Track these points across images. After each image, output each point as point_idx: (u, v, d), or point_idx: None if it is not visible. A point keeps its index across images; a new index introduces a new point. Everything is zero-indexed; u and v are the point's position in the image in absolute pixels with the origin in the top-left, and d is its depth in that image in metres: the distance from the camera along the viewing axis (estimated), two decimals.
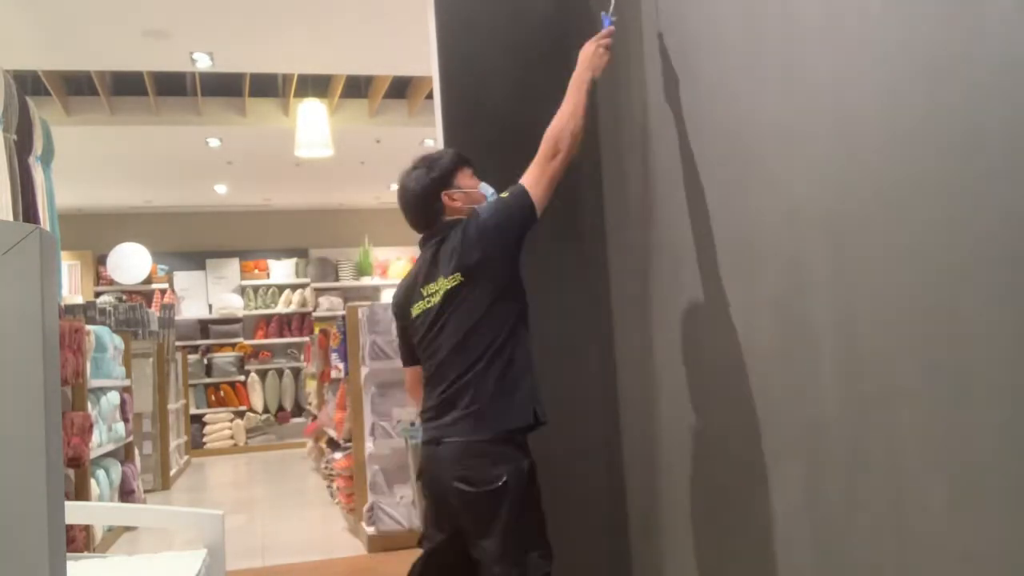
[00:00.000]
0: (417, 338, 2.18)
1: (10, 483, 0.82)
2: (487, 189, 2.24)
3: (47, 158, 5.13)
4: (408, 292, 2.23)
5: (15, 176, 4.45)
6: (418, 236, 2.25)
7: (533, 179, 2.10)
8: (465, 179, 2.23)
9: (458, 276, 2.06)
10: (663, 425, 2.39)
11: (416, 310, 2.17)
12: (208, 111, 7.38)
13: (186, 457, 9.20)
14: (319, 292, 11.19)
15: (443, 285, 2.09)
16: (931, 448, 1.38)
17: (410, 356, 2.28)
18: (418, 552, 2.18)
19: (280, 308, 11.17)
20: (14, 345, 0.83)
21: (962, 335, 1.31)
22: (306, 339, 10.20)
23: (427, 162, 2.23)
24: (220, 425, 10.50)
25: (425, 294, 2.14)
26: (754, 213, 1.88)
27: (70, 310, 6.92)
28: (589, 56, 2.19)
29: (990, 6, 1.23)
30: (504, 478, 1.96)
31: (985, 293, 1.26)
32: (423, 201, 2.20)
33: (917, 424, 1.41)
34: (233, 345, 10.96)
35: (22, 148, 4.63)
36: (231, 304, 11.04)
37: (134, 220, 10.77)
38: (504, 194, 2.12)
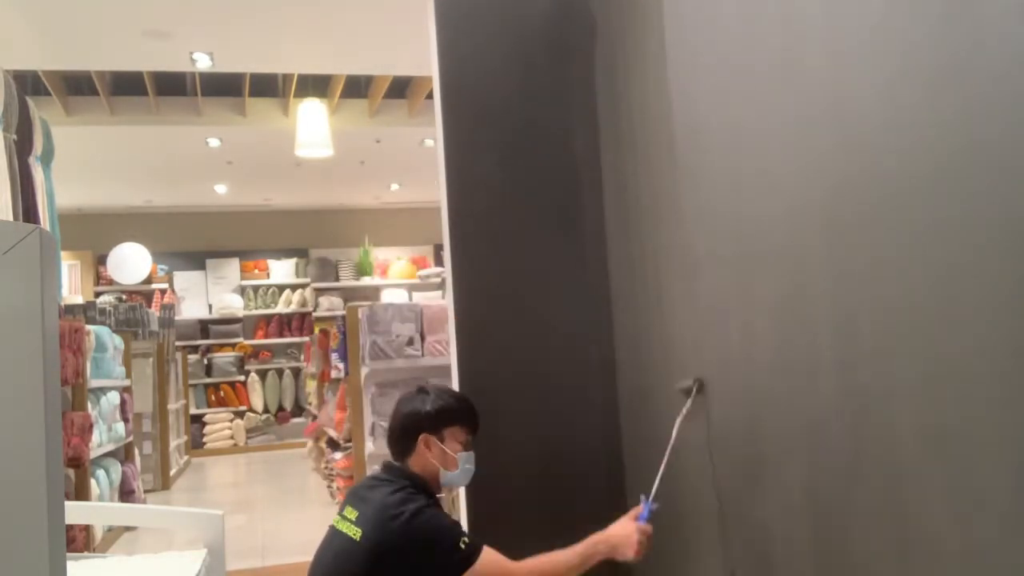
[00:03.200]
0: (318, 551, 2.10)
1: (10, 483, 0.82)
2: (466, 462, 2.13)
3: (47, 158, 5.13)
4: (345, 498, 2.16)
5: (15, 176, 4.45)
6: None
7: (494, 567, 1.95)
8: (455, 437, 2.12)
9: (359, 533, 1.96)
10: (663, 425, 2.39)
11: (335, 519, 2.09)
12: (208, 111, 7.39)
13: (186, 457, 9.21)
14: (319, 292, 11.19)
15: (350, 524, 2.00)
16: (931, 448, 1.38)
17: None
18: None
19: (280, 308, 11.18)
20: (14, 345, 0.83)
21: (962, 335, 1.31)
22: (306, 339, 10.20)
23: (433, 395, 2.14)
24: (220, 425, 10.51)
25: (346, 512, 2.05)
26: (754, 213, 1.88)
27: (70, 310, 6.92)
28: (621, 537, 2.02)
29: (991, 6, 1.23)
30: None
31: (985, 293, 1.26)
32: (401, 431, 2.12)
33: (917, 424, 1.41)
34: (233, 345, 10.96)
35: (22, 148, 4.63)
36: (231, 304, 11.04)
37: (134, 220, 10.78)
38: (463, 540, 1.95)
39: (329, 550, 2.04)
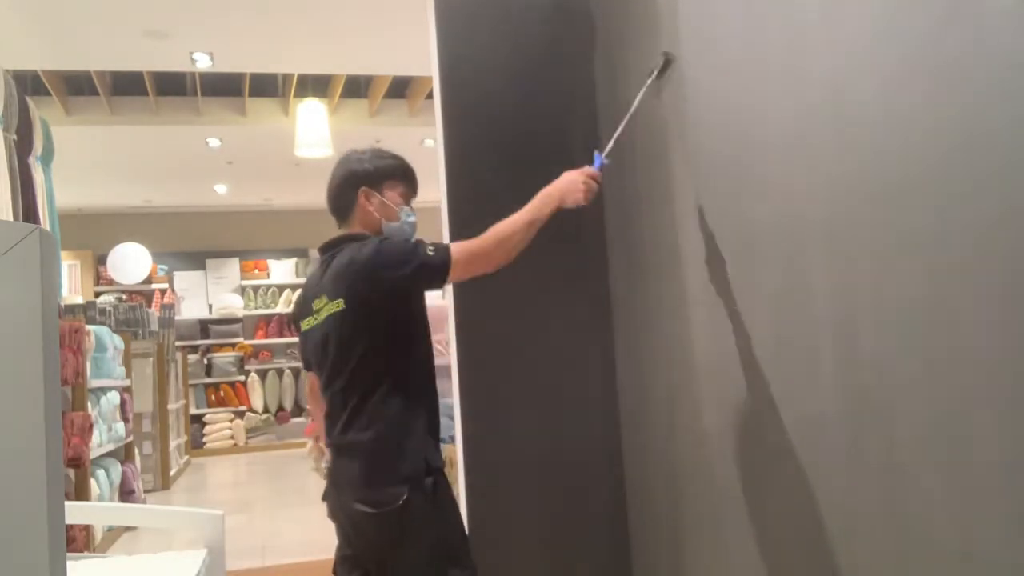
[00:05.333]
0: (308, 354, 2.08)
1: (10, 483, 0.82)
2: (408, 215, 2.10)
3: (47, 158, 5.13)
4: (302, 301, 2.12)
5: (15, 176, 4.45)
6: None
7: (464, 253, 1.92)
8: (393, 192, 2.09)
9: (341, 302, 1.92)
10: (663, 424, 2.39)
11: (305, 324, 2.06)
12: (208, 111, 7.38)
13: (186, 457, 9.20)
14: None
15: (327, 306, 1.96)
16: (931, 448, 1.38)
17: (306, 362, 2.14)
18: None
19: (280, 308, 11.17)
20: (14, 345, 0.83)
21: (962, 335, 1.31)
22: None
23: (368, 154, 2.12)
24: (220, 425, 10.50)
25: (314, 308, 2.02)
26: (754, 213, 1.88)
27: (70, 310, 6.92)
28: (567, 183, 2.04)
29: (991, 6, 1.23)
30: (404, 496, 1.84)
31: (985, 293, 1.26)
32: (338, 189, 2.09)
33: (917, 424, 1.41)
34: (233, 345, 10.96)
35: (22, 148, 4.63)
36: (231, 304, 11.04)
37: (134, 220, 10.77)
38: (429, 247, 1.92)
39: (318, 339, 1.98)
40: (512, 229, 1.96)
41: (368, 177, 2.07)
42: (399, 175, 2.11)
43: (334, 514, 2.02)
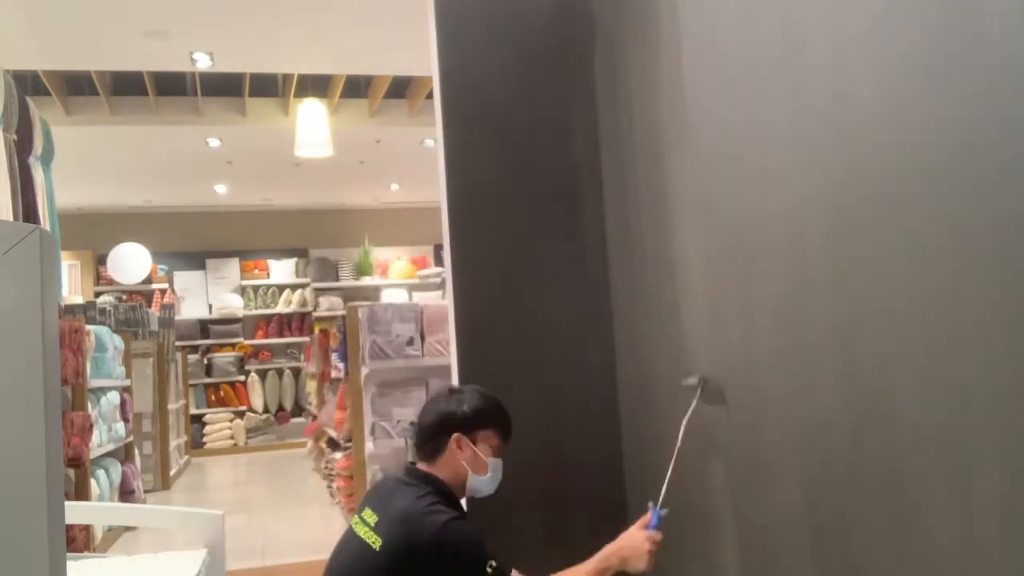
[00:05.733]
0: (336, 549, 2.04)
1: (10, 483, 0.82)
2: (496, 470, 2.04)
3: (47, 158, 5.13)
4: (363, 499, 2.08)
5: (15, 176, 4.45)
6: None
7: None
8: (488, 441, 2.03)
9: (379, 542, 1.87)
10: (663, 424, 2.39)
11: (354, 521, 2.00)
12: (208, 111, 7.39)
13: (186, 457, 9.21)
14: (319, 292, 11.19)
15: (363, 528, 1.93)
16: (931, 448, 1.38)
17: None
18: None
19: (280, 308, 11.18)
20: (14, 345, 0.83)
21: (962, 335, 1.31)
22: (306, 339, 10.21)
23: (468, 395, 2.06)
24: (220, 425, 10.51)
25: (362, 514, 1.98)
26: (754, 212, 1.88)
27: (70, 310, 6.92)
28: (631, 547, 1.96)
29: (991, 6, 1.23)
30: None
31: (985, 293, 1.26)
32: (431, 428, 2.03)
33: (917, 424, 1.41)
34: (233, 345, 10.96)
35: (22, 148, 4.63)
36: (231, 304, 11.05)
37: (134, 220, 10.78)
38: (490, 565, 1.84)
39: (345, 553, 1.96)
40: None
41: (465, 423, 2.02)
42: (496, 424, 2.05)
43: None
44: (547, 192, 2.68)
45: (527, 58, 2.71)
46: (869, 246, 1.51)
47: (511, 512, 2.48)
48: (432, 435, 2.03)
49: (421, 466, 2.05)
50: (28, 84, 6.20)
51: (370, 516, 1.95)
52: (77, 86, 7.05)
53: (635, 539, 1.97)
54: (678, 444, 2.05)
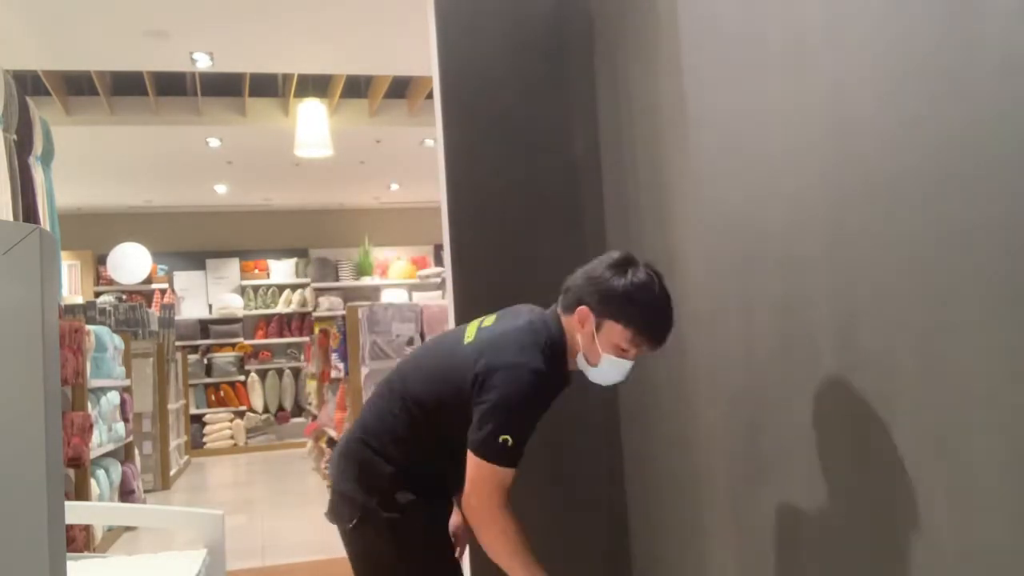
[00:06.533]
0: (420, 349, 2.03)
1: (10, 483, 0.82)
2: (611, 366, 1.78)
3: (47, 158, 5.12)
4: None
5: (15, 176, 4.44)
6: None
7: (491, 490, 1.71)
8: (616, 334, 1.74)
9: (471, 337, 1.83)
10: (663, 425, 2.39)
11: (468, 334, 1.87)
12: (208, 111, 7.38)
13: (186, 457, 9.20)
14: (319, 292, 11.19)
15: (475, 326, 1.87)
16: (931, 448, 1.38)
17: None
18: None
19: (280, 308, 11.17)
20: (14, 345, 0.83)
21: (962, 335, 1.31)
22: (306, 339, 10.20)
23: (629, 276, 1.74)
24: (220, 425, 10.51)
25: (485, 323, 1.88)
26: (754, 213, 1.88)
27: (70, 310, 6.92)
28: None
29: (991, 6, 1.23)
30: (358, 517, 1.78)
31: (985, 293, 1.26)
32: (575, 287, 1.80)
33: (917, 424, 1.41)
34: (233, 345, 10.96)
35: (22, 148, 4.63)
36: (231, 304, 11.04)
37: (134, 220, 10.77)
38: (507, 437, 1.69)
39: (448, 335, 1.93)
40: (509, 563, 1.72)
41: (601, 300, 1.74)
42: (635, 327, 1.73)
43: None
44: (547, 192, 2.68)
45: (527, 58, 2.71)
46: (869, 247, 1.51)
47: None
48: (569, 288, 1.83)
49: (559, 309, 1.85)
50: (28, 84, 6.20)
51: (488, 319, 1.88)
52: (77, 86, 7.04)
53: None
54: None
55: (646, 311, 1.74)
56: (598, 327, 1.76)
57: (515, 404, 1.71)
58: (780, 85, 1.75)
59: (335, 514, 1.88)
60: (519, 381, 1.71)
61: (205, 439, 10.37)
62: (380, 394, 1.93)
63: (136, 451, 6.62)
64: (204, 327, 11.01)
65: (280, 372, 11.01)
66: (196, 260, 11.09)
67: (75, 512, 2.78)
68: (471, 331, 1.87)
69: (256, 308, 11.15)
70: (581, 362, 1.83)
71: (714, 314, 2.07)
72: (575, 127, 2.71)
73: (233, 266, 11.17)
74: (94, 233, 10.44)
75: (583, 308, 1.76)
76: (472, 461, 1.71)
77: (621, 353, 1.76)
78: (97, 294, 10.31)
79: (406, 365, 1.96)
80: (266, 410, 10.85)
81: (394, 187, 10.24)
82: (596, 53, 2.73)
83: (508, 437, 1.68)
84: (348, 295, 10.80)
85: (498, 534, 1.72)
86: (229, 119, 7.50)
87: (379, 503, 1.79)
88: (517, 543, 1.71)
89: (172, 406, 8.27)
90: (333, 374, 6.03)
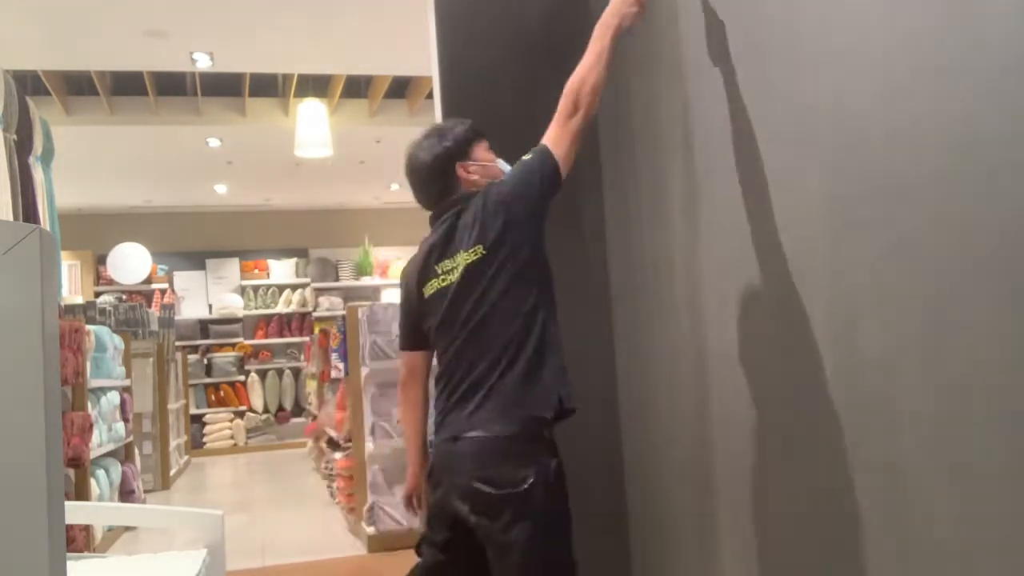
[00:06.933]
0: (430, 321, 1.99)
1: (10, 483, 0.82)
2: (504, 165, 2.07)
3: (47, 158, 5.13)
4: (420, 269, 2.02)
5: (15, 176, 4.45)
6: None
7: (554, 138, 1.95)
8: (481, 152, 2.07)
9: (479, 249, 1.89)
10: (663, 425, 2.39)
11: (429, 289, 1.98)
12: (208, 111, 7.39)
13: (186, 457, 9.20)
14: (319, 292, 11.19)
15: (462, 260, 1.91)
16: (931, 448, 1.38)
17: (411, 338, 2.10)
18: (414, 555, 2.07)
19: (280, 308, 11.17)
20: (14, 345, 0.83)
21: (962, 335, 1.31)
22: (306, 339, 10.20)
23: (439, 131, 2.07)
24: (220, 425, 10.51)
25: (440, 271, 1.96)
26: (754, 212, 1.88)
27: (70, 310, 6.92)
28: (618, 5, 1.99)
29: (991, 6, 1.23)
30: (531, 479, 1.78)
31: (985, 292, 1.26)
32: (436, 172, 2.03)
33: (917, 424, 1.41)
34: (233, 345, 10.96)
35: (22, 148, 4.63)
36: (231, 304, 11.04)
37: (134, 220, 10.78)
38: (526, 156, 1.96)
39: (453, 302, 1.92)
40: (582, 76, 1.97)
41: (458, 151, 2.04)
42: (475, 135, 2.08)
43: (443, 490, 1.91)
44: None
45: (527, 58, 2.71)
46: (869, 247, 1.51)
47: None
48: (435, 179, 2.04)
49: (447, 194, 2.04)
50: (28, 84, 6.20)
51: (448, 263, 1.95)
52: (77, 86, 7.05)
53: (617, 3, 2.01)
54: None
55: (467, 124, 2.10)
56: (476, 161, 2.05)
57: (521, 168, 1.98)
58: (780, 85, 1.75)
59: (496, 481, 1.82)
60: (500, 183, 1.99)
61: (205, 439, 10.37)
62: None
63: (136, 451, 6.62)
64: (204, 327, 11.01)
65: (280, 372, 11.01)
66: (196, 260, 11.09)
67: (75, 512, 2.78)
68: (448, 265, 1.96)
69: (256, 308, 11.15)
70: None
71: (714, 314, 2.07)
72: None
73: (233, 266, 11.17)
74: (94, 233, 10.44)
75: (458, 166, 2.03)
76: (551, 167, 1.95)
77: (495, 156, 2.09)
78: (97, 294, 10.31)
79: (454, 340, 1.94)
80: (266, 410, 10.85)
81: (394, 187, 10.24)
82: None
83: (540, 155, 1.96)
84: (348, 295, 10.81)
85: (579, 97, 1.98)
86: (229, 119, 7.50)
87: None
88: (577, 79, 2.00)
89: (172, 406, 8.27)
90: (333, 374, 6.03)
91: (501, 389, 1.84)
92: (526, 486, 1.79)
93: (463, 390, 1.88)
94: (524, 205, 1.92)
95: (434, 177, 2.04)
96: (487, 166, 2.05)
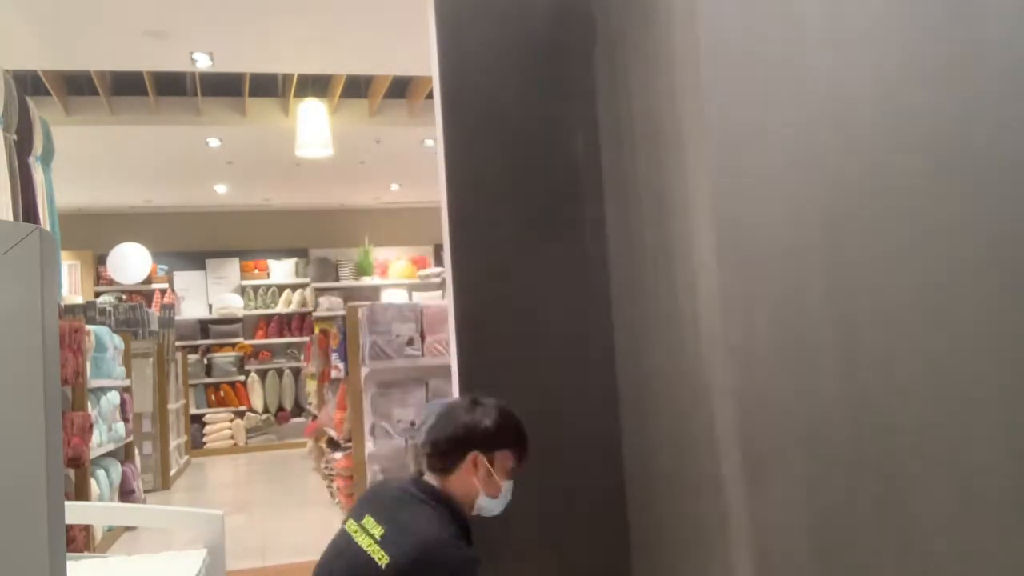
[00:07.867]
0: (328, 555, 1.96)
1: (10, 483, 0.82)
2: (508, 492, 1.97)
3: (47, 158, 5.13)
4: (365, 498, 2.00)
5: (15, 176, 4.45)
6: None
7: None
8: (505, 462, 1.95)
9: (384, 559, 1.78)
10: (663, 425, 2.39)
11: (349, 526, 1.93)
12: (208, 111, 7.38)
13: (186, 457, 9.21)
14: (319, 292, 11.19)
15: (369, 544, 1.83)
16: (931, 448, 1.38)
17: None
18: None
19: (280, 308, 11.18)
20: (14, 345, 0.83)
21: (962, 335, 1.31)
22: (306, 339, 10.21)
23: (491, 411, 1.95)
24: (220, 425, 10.51)
25: (363, 523, 1.89)
26: (754, 212, 1.88)
27: (70, 310, 6.92)
28: None
29: (991, 7, 1.23)
30: None
31: (985, 293, 1.26)
32: (450, 441, 1.93)
33: (917, 424, 1.41)
34: (233, 345, 10.96)
35: (22, 148, 4.63)
36: (231, 304, 11.05)
37: (134, 220, 10.78)
38: None
39: (344, 560, 1.87)
40: None
41: (486, 442, 1.93)
42: (515, 445, 1.96)
43: None
44: (547, 192, 2.68)
45: (527, 58, 2.71)
46: (869, 246, 1.51)
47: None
48: (449, 448, 1.94)
49: (431, 479, 1.96)
50: (28, 84, 6.20)
51: (373, 527, 1.86)
52: (77, 86, 7.05)
53: None
54: None
55: (518, 429, 1.97)
56: (491, 462, 1.93)
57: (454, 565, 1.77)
58: (780, 84, 1.75)
59: None
60: (444, 557, 1.77)
61: (205, 439, 10.37)
62: None
63: (136, 451, 6.62)
64: (204, 327, 11.01)
65: (280, 372, 11.02)
66: (196, 260, 11.10)
67: (75, 512, 2.78)
68: (364, 539, 1.84)
69: (256, 308, 11.16)
70: (481, 502, 1.94)
71: (714, 313, 2.07)
72: (575, 126, 2.71)
73: (233, 266, 11.17)
74: (94, 233, 10.44)
75: (473, 455, 1.91)
76: None
77: (513, 474, 1.97)
78: (97, 294, 10.32)
79: None
80: (266, 410, 10.85)
81: (394, 187, 10.25)
82: (596, 53, 2.73)
83: None
84: (348, 295, 10.81)
85: None
86: (229, 119, 7.50)
87: None
88: None
89: (172, 406, 8.28)
90: (333, 374, 6.03)
91: None
92: None
93: None
94: None
95: (448, 445, 1.94)
96: (493, 480, 1.93)
